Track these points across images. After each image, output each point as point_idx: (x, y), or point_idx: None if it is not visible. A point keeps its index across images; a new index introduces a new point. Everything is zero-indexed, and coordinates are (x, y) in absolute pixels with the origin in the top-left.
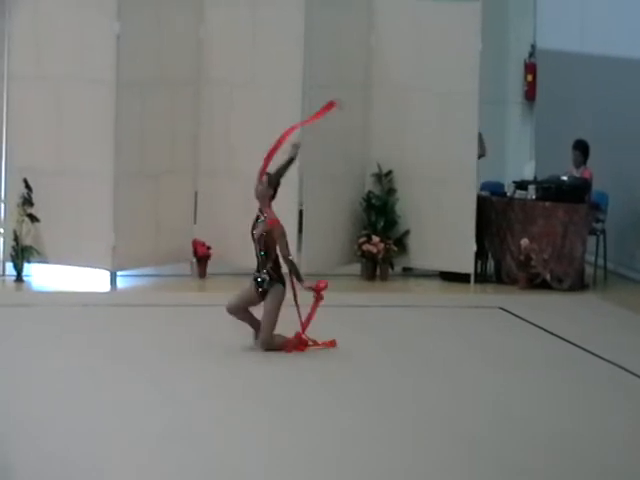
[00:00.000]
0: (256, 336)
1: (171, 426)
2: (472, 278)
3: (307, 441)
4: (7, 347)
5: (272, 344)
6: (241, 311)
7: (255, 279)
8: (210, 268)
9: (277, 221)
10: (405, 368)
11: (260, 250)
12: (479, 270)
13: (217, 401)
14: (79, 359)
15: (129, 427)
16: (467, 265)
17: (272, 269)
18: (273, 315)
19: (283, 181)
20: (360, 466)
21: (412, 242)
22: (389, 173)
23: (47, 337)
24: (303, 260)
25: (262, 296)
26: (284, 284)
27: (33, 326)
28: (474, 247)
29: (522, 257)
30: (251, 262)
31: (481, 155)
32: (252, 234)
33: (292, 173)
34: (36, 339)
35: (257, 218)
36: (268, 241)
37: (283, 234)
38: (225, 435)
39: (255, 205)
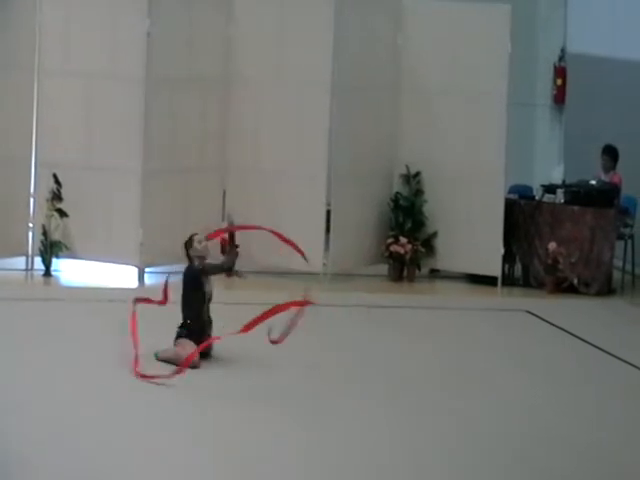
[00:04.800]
0: None
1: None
2: (499, 281)
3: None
4: (33, 341)
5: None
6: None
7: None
8: (237, 265)
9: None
10: (429, 372)
11: None
12: (506, 273)
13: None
14: (105, 355)
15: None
16: (494, 268)
17: None
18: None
19: (310, 180)
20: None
21: (440, 244)
22: (417, 174)
23: (74, 332)
24: (330, 260)
25: None
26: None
27: (60, 321)
28: (502, 250)
29: (550, 261)
30: (279, 261)
31: None
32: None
33: (321, 172)
34: (63, 334)
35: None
36: None
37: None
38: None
39: (282, 203)
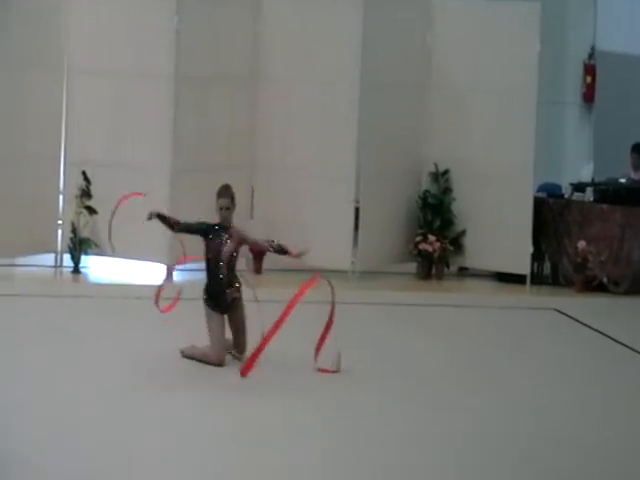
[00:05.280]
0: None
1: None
2: (528, 279)
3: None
4: (61, 338)
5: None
6: None
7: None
8: (266, 264)
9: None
10: (452, 370)
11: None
12: (535, 272)
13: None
14: (132, 352)
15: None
16: (523, 266)
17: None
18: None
19: (338, 178)
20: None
21: (468, 242)
22: (446, 172)
23: (102, 329)
24: (358, 258)
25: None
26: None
27: (88, 318)
28: (531, 248)
29: (579, 259)
30: (306, 258)
31: None
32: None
33: (349, 170)
34: (91, 331)
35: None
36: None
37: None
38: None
39: (310, 200)
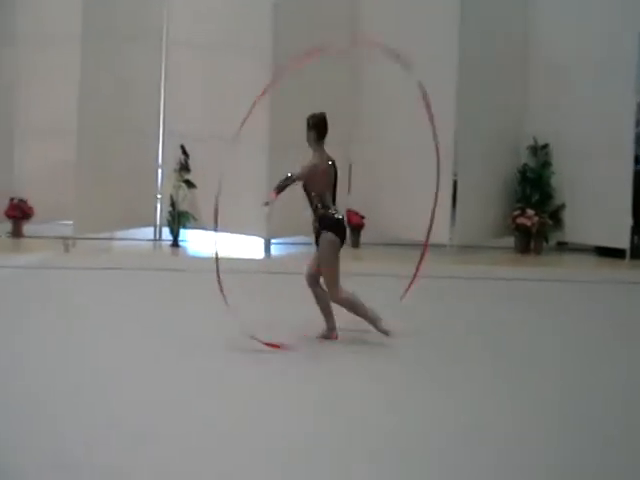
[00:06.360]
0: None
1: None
2: (627, 254)
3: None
4: (161, 311)
5: (343, 301)
6: (313, 281)
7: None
8: (363, 237)
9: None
10: (549, 346)
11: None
12: (635, 245)
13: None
14: (230, 325)
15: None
16: (623, 240)
17: (318, 216)
18: (327, 267)
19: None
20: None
21: (567, 216)
22: (545, 146)
23: (199, 302)
24: (456, 232)
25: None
26: (336, 232)
27: (186, 291)
28: (630, 222)
29: None
30: (405, 232)
31: None
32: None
33: (447, 145)
34: (189, 303)
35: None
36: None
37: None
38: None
39: (408, 176)
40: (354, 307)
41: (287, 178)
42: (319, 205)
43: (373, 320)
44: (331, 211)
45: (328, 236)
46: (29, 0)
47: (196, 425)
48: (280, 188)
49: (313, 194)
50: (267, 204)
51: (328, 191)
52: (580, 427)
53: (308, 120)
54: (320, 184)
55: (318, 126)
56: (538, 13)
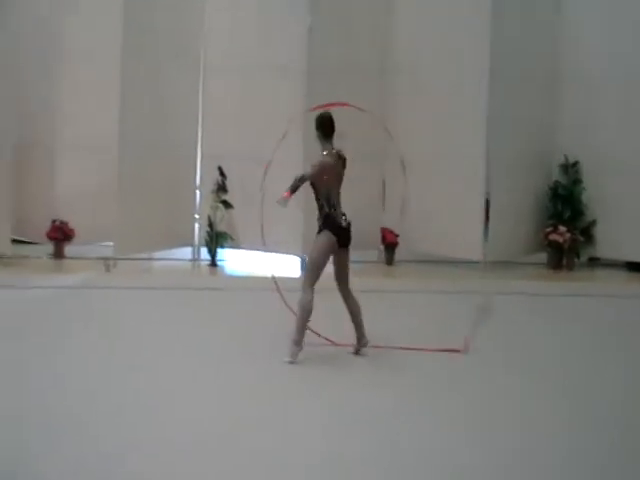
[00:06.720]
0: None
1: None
2: None
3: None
4: (199, 329)
5: (301, 303)
6: (341, 285)
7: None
8: (397, 255)
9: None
10: (581, 361)
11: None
12: None
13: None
14: (271, 339)
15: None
16: None
17: (322, 214)
18: (312, 263)
19: (469, 168)
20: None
21: (598, 232)
22: (576, 164)
23: (237, 320)
24: (489, 249)
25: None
26: (336, 234)
27: (224, 309)
28: None
29: None
30: (438, 249)
31: None
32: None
33: (478, 162)
34: (227, 321)
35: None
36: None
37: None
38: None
39: (440, 192)
40: (302, 317)
41: (299, 178)
42: (324, 204)
43: (296, 341)
44: (338, 215)
45: (327, 235)
46: (74, 18)
47: (239, 442)
48: (293, 188)
49: (321, 191)
50: (279, 203)
51: (335, 188)
52: (617, 443)
53: (315, 120)
54: (327, 181)
55: (323, 126)
56: (568, 30)
